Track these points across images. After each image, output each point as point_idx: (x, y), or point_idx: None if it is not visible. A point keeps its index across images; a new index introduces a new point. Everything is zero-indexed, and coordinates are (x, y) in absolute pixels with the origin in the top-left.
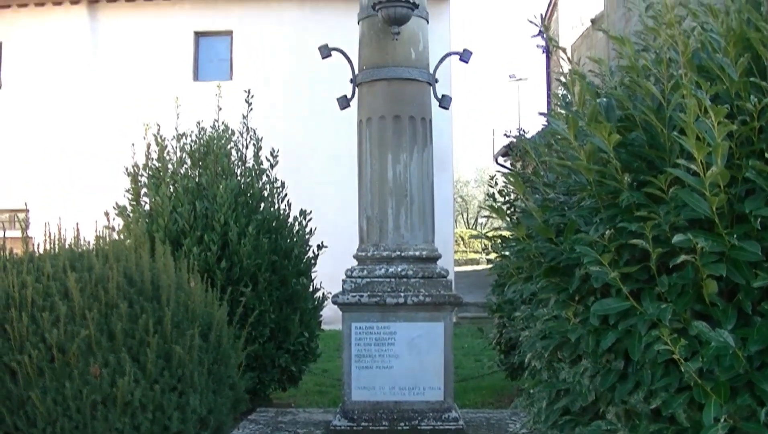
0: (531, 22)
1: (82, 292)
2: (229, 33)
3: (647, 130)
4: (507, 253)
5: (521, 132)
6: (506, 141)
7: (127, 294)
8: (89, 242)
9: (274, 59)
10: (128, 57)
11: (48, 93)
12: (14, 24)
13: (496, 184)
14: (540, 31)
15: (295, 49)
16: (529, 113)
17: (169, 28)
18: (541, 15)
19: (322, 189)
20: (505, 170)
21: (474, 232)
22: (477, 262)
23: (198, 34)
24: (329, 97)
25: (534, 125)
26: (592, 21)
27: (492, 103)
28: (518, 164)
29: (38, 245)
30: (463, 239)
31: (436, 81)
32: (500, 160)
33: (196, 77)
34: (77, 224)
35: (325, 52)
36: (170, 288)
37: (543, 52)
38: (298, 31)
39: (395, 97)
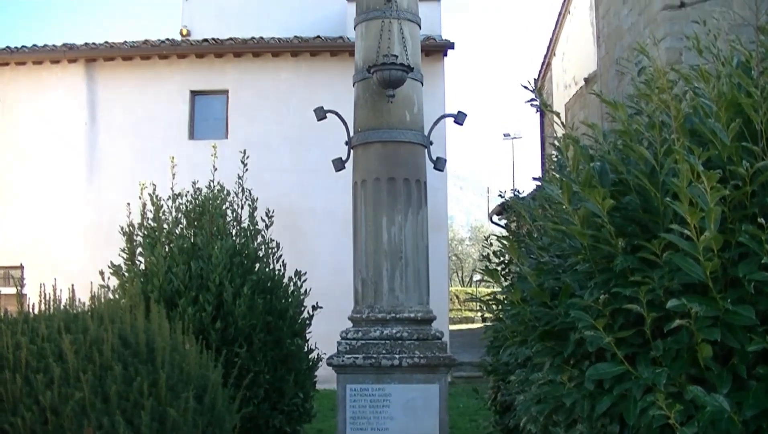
0: (524, 87)
1: (76, 354)
2: (225, 92)
3: (641, 194)
4: (502, 316)
5: (515, 192)
6: (501, 199)
7: (122, 356)
8: (84, 303)
9: (269, 118)
10: (124, 115)
11: (44, 150)
12: (12, 81)
13: (491, 245)
14: (534, 97)
15: (290, 108)
16: (523, 170)
17: (165, 86)
18: (535, 79)
19: (317, 249)
20: (500, 229)
21: (469, 290)
22: (472, 320)
23: (194, 93)
24: (324, 156)
25: (529, 183)
26: (586, 80)
27: (487, 160)
28: (513, 224)
29: (33, 305)
30: (458, 297)
31: (431, 143)
32: (495, 218)
33: (192, 136)
34: (72, 285)
35: (321, 114)
36: (165, 350)
37: (537, 111)
38: (293, 91)
39: (390, 160)
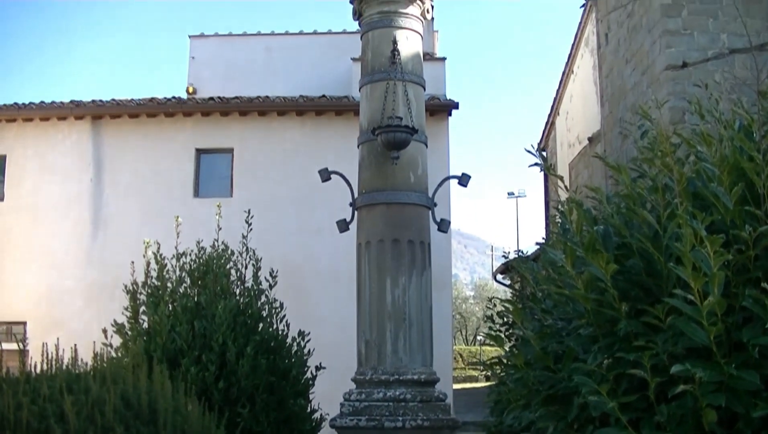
0: (528, 151)
1: (78, 415)
2: (230, 150)
3: (644, 257)
4: (505, 379)
5: (519, 253)
6: (505, 259)
7: (124, 418)
8: (86, 363)
9: (274, 177)
10: (130, 172)
11: (50, 206)
12: (19, 137)
13: (495, 306)
14: (538, 161)
15: (295, 167)
16: (528, 228)
17: (171, 144)
18: (539, 143)
19: (320, 309)
20: (504, 288)
21: (473, 349)
22: (476, 379)
23: (199, 151)
24: (329, 215)
25: (533, 241)
26: (590, 139)
27: (491, 218)
28: (517, 284)
29: (35, 364)
30: (461, 356)
31: (435, 204)
32: (499, 277)
33: (196, 194)
34: (75, 344)
35: (325, 175)
36: (167, 412)
37: (541, 170)
38: (298, 150)
39: (394, 221)
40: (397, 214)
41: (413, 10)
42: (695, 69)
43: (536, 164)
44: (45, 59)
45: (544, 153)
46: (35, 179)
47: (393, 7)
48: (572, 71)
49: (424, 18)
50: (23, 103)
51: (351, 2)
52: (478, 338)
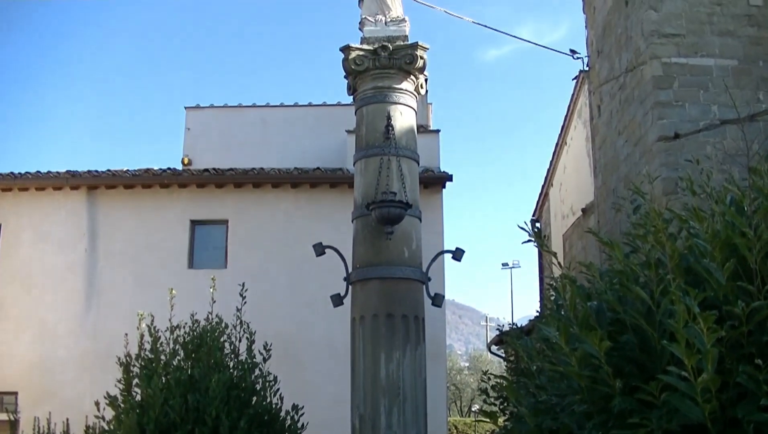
0: (522, 228)
1: None
2: (225, 222)
3: (638, 333)
4: None
5: (514, 326)
6: (501, 323)
7: None
8: None
9: (268, 248)
10: (124, 243)
11: (44, 275)
12: (14, 206)
13: (489, 379)
14: (531, 238)
15: (289, 239)
16: (522, 298)
17: (165, 215)
18: (532, 214)
19: (315, 380)
20: (499, 359)
21: (468, 421)
22: None
23: (194, 223)
24: (323, 287)
25: (527, 310)
26: (583, 210)
27: (485, 289)
28: (512, 357)
29: None
30: (456, 427)
31: (429, 279)
32: (494, 348)
33: (191, 265)
34: (67, 418)
35: (319, 250)
36: None
37: (535, 246)
38: (292, 222)
39: (388, 296)
40: (391, 289)
41: (407, 85)
42: (687, 140)
43: (530, 240)
44: (42, 128)
45: (538, 224)
46: (30, 248)
47: (387, 82)
48: (565, 142)
49: (418, 93)
50: (19, 173)
51: (346, 77)
52: (473, 409)
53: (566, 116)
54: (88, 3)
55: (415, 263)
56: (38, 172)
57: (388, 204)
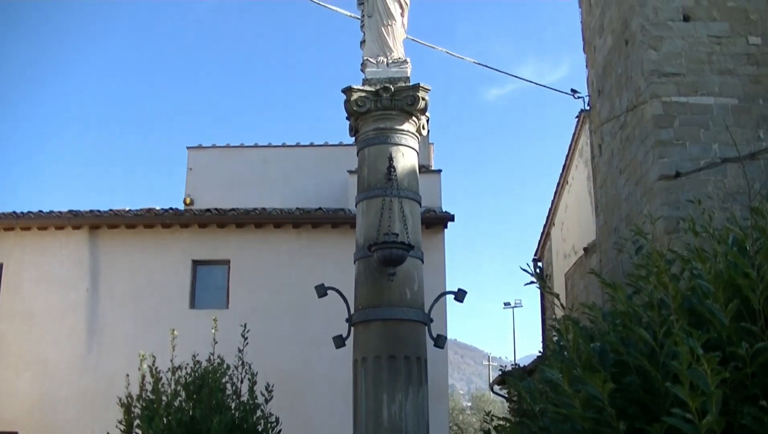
0: (524, 270)
1: None
2: (227, 262)
3: (642, 375)
4: None
5: (516, 366)
6: (504, 362)
7: None
8: None
9: (270, 288)
10: (126, 282)
11: (45, 314)
12: (16, 246)
13: (492, 420)
14: (533, 280)
15: (291, 279)
16: (524, 337)
17: (167, 255)
18: (534, 253)
19: (317, 419)
20: (502, 399)
21: None
22: None
23: (196, 263)
24: (325, 326)
25: (529, 349)
26: (585, 250)
27: (487, 328)
28: (514, 397)
29: None
30: None
31: (431, 320)
32: (496, 388)
33: (192, 305)
34: None
35: (322, 291)
36: None
37: (538, 288)
38: (294, 262)
39: (391, 338)
40: (394, 330)
41: (409, 126)
42: (688, 179)
43: (532, 282)
44: (44, 167)
45: (540, 264)
46: (32, 287)
47: (389, 124)
48: (567, 182)
49: (420, 134)
50: (21, 212)
51: (348, 118)
52: None
53: (567, 155)
54: (89, 38)
55: (417, 304)
56: (40, 211)
57: (390, 246)
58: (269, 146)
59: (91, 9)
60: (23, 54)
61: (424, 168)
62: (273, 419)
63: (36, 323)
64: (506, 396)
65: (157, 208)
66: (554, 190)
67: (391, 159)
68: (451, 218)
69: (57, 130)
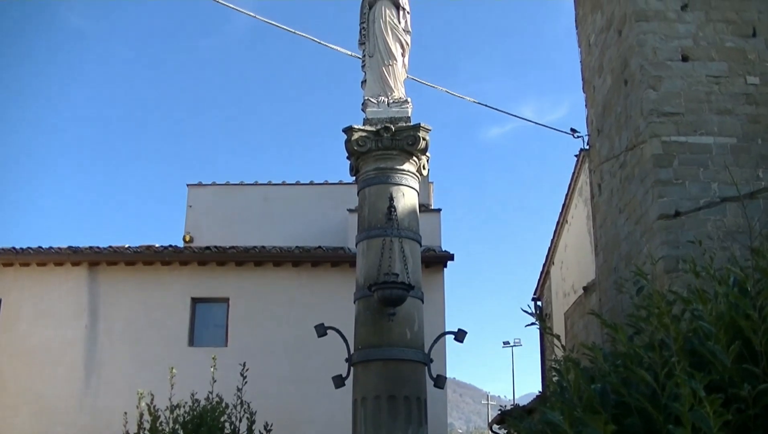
0: (525, 311)
1: None
2: (226, 300)
3: (643, 417)
4: None
5: (515, 405)
6: (503, 401)
7: None
8: None
9: (269, 326)
10: (125, 319)
11: (43, 350)
12: (15, 281)
13: None
14: (534, 321)
15: (290, 317)
16: (524, 376)
17: (166, 293)
18: (534, 292)
19: None
20: None
21: None
22: None
23: (195, 300)
24: (325, 365)
25: (529, 388)
26: (585, 289)
27: (486, 367)
28: None
29: None
30: None
31: (431, 361)
32: (495, 427)
33: (191, 343)
34: None
35: (321, 331)
36: None
37: (538, 329)
38: (294, 300)
39: (390, 378)
40: (394, 371)
41: (409, 166)
42: (688, 218)
43: (533, 324)
44: (43, 202)
45: (540, 303)
46: (30, 323)
47: (389, 164)
48: (566, 221)
49: (420, 174)
50: (21, 248)
51: (348, 158)
52: None
53: (567, 194)
54: (91, 73)
55: (417, 344)
56: (40, 247)
57: (390, 286)
58: (269, 184)
59: (95, 42)
60: (25, 96)
61: (424, 207)
62: None
63: (34, 359)
64: None
65: (157, 245)
66: (554, 229)
67: (391, 199)
68: (451, 257)
69: (57, 164)
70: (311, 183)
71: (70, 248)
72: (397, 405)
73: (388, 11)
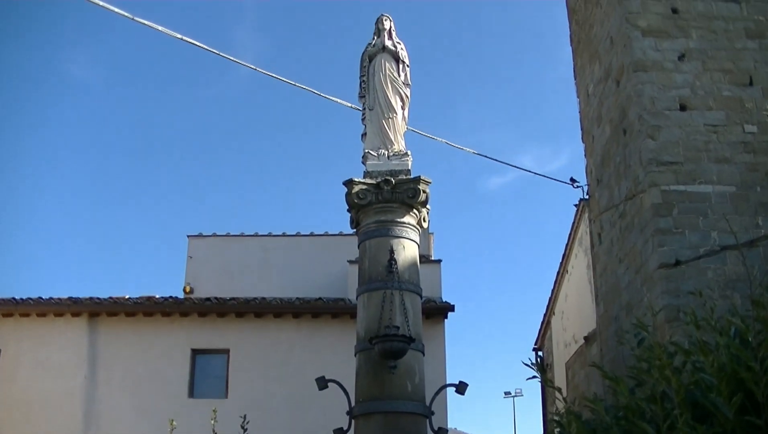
0: (526, 364)
1: None
2: (226, 351)
3: None
4: None
5: None
6: None
7: None
8: None
9: (270, 378)
10: (125, 370)
11: (42, 401)
12: (15, 332)
13: None
14: (535, 374)
15: (290, 369)
16: (525, 427)
17: (166, 344)
18: (535, 343)
19: None
20: None
21: None
22: None
23: (195, 351)
24: (325, 419)
25: None
26: (586, 338)
27: (487, 417)
28: None
29: None
30: None
31: (432, 413)
32: None
33: (191, 394)
34: None
35: (322, 384)
36: None
37: (539, 381)
38: (294, 352)
39: (391, 430)
40: (395, 423)
41: (410, 219)
42: (688, 267)
43: (534, 377)
44: (43, 253)
45: (540, 353)
46: (29, 373)
47: (390, 216)
48: (567, 270)
49: (421, 226)
50: (21, 298)
51: (349, 211)
52: None
53: (567, 243)
54: (88, 124)
55: (419, 397)
56: (40, 298)
57: (391, 338)
58: (269, 235)
59: (96, 93)
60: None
61: (424, 258)
62: None
63: (33, 410)
64: None
65: (157, 296)
66: (554, 279)
67: (392, 252)
68: (452, 308)
69: (56, 214)
70: (311, 234)
71: (70, 298)
72: None
73: (387, 64)
